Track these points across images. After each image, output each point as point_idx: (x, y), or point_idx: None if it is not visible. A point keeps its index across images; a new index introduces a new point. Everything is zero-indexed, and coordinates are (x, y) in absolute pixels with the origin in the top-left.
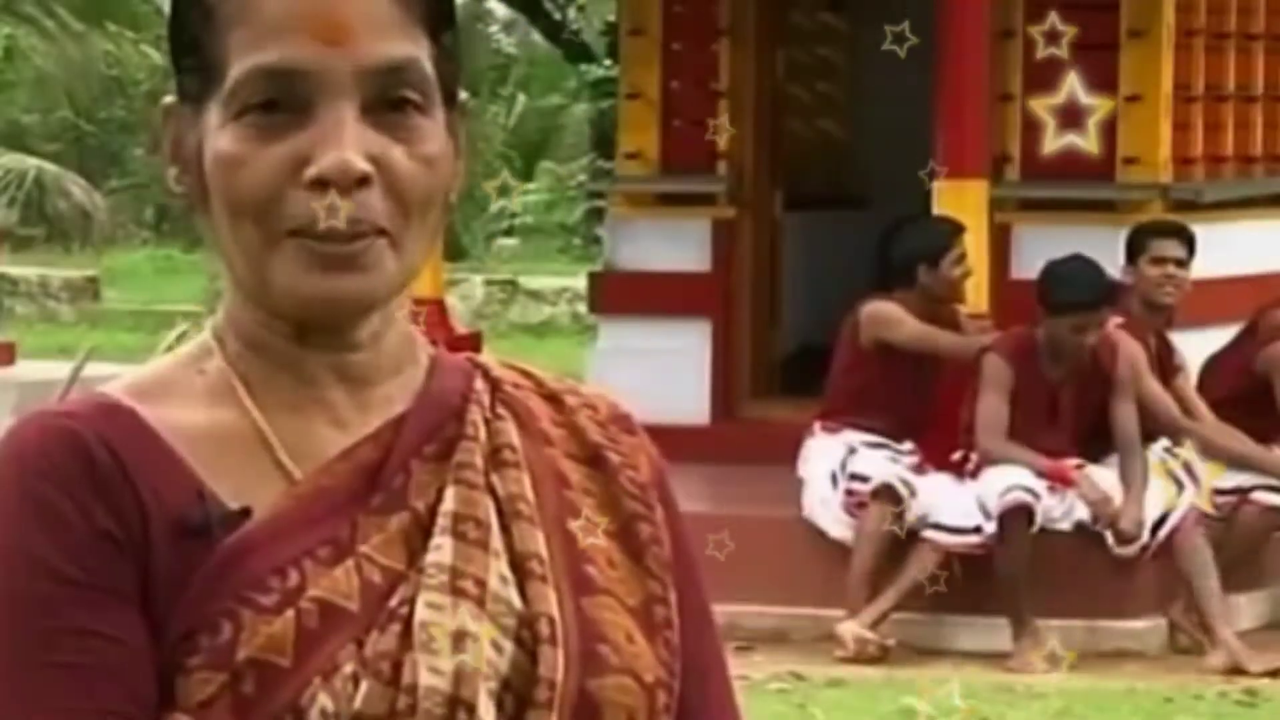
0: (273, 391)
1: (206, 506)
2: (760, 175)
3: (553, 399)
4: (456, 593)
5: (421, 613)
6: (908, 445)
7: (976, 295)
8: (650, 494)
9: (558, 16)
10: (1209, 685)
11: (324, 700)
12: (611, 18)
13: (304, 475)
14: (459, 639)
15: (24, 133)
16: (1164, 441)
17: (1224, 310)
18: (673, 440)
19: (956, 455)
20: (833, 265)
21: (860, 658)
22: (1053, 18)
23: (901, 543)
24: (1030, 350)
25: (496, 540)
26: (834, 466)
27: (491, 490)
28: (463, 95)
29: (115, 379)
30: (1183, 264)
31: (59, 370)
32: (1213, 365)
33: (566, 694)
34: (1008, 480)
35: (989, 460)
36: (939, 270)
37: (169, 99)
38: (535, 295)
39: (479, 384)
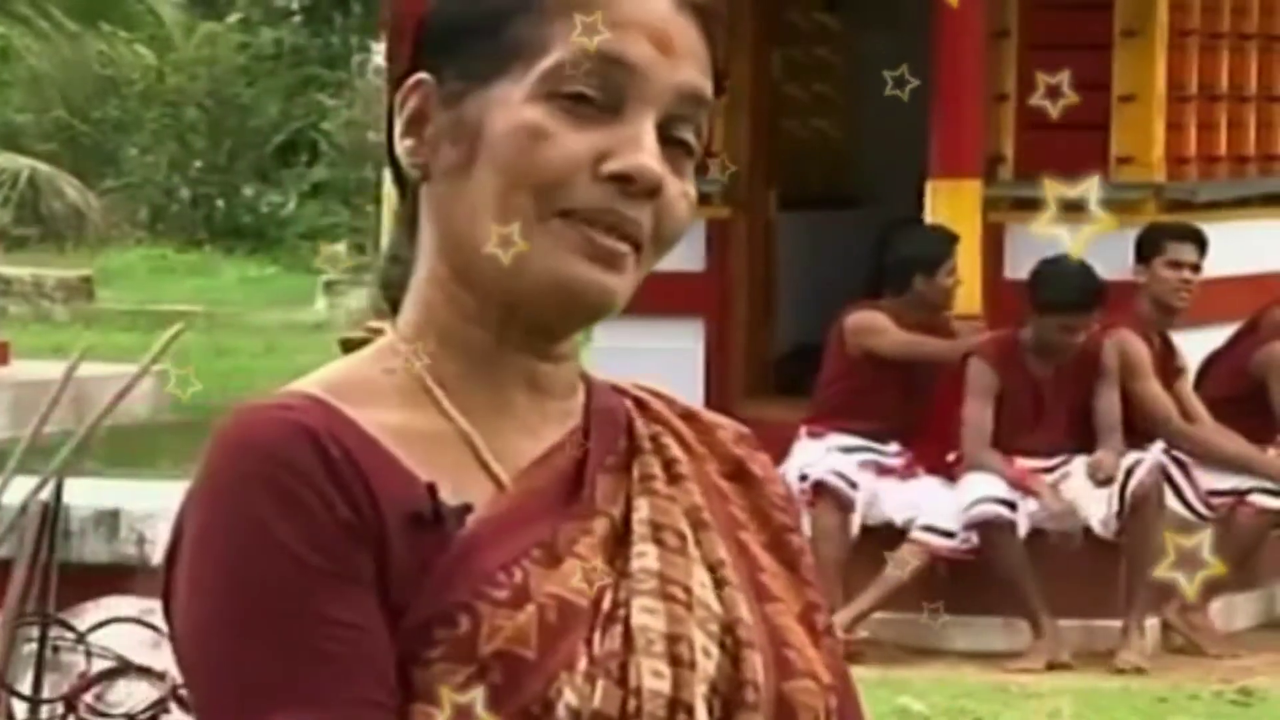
0: (464, 394)
1: (437, 501)
2: (755, 175)
3: (689, 417)
4: (667, 598)
5: (639, 617)
6: (893, 448)
7: (969, 296)
8: (792, 506)
9: None
10: (1204, 685)
11: (569, 695)
12: None
13: (508, 478)
14: (673, 642)
15: (18, 133)
16: (1160, 444)
17: (1219, 310)
18: None
19: (950, 457)
20: (828, 265)
21: (850, 659)
22: (1055, 78)
23: (892, 543)
24: (1014, 350)
25: (692, 548)
26: (799, 469)
27: (674, 501)
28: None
29: (302, 380)
30: (1197, 268)
31: (53, 370)
32: (1209, 366)
33: (768, 696)
34: (978, 492)
35: (968, 467)
36: (935, 279)
37: (420, 75)
38: None
39: (628, 402)
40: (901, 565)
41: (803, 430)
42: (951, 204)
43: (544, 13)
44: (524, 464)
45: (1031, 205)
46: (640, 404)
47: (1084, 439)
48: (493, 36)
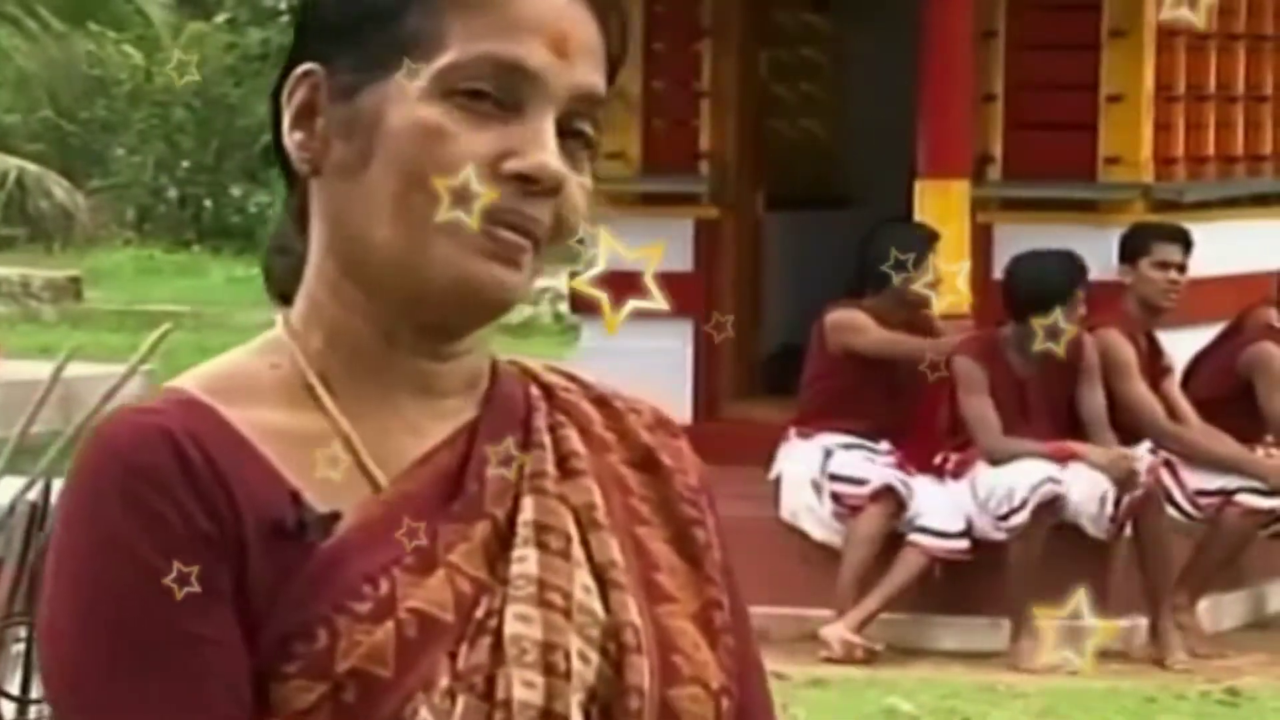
0: (351, 392)
1: (301, 509)
2: (743, 175)
3: (601, 403)
4: (544, 604)
5: (512, 626)
6: (884, 446)
7: (958, 296)
8: (702, 498)
9: None
10: (1192, 685)
11: (425, 714)
12: None
13: (386, 480)
14: (548, 651)
15: (6, 133)
16: (1148, 444)
17: (1206, 310)
18: None
19: (938, 458)
20: (815, 265)
21: (846, 660)
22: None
23: (886, 546)
24: (996, 348)
25: (577, 550)
26: (814, 471)
27: (564, 499)
28: None
29: (184, 375)
30: (1183, 268)
31: (41, 370)
32: (1196, 366)
33: (652, 703)
34: (1040, 473)
35: (995, 459)
36: (913, 277)
37: (309, 65)
38: None
39: (534, 390)
40: (908, 570)
41: (791, 431)
42: (940, 204)
43: (440, 5)
44: (408, 465)
45: (1020, 205)
46: (548, 392)
47: (1069, 436)
48: (387, 27)
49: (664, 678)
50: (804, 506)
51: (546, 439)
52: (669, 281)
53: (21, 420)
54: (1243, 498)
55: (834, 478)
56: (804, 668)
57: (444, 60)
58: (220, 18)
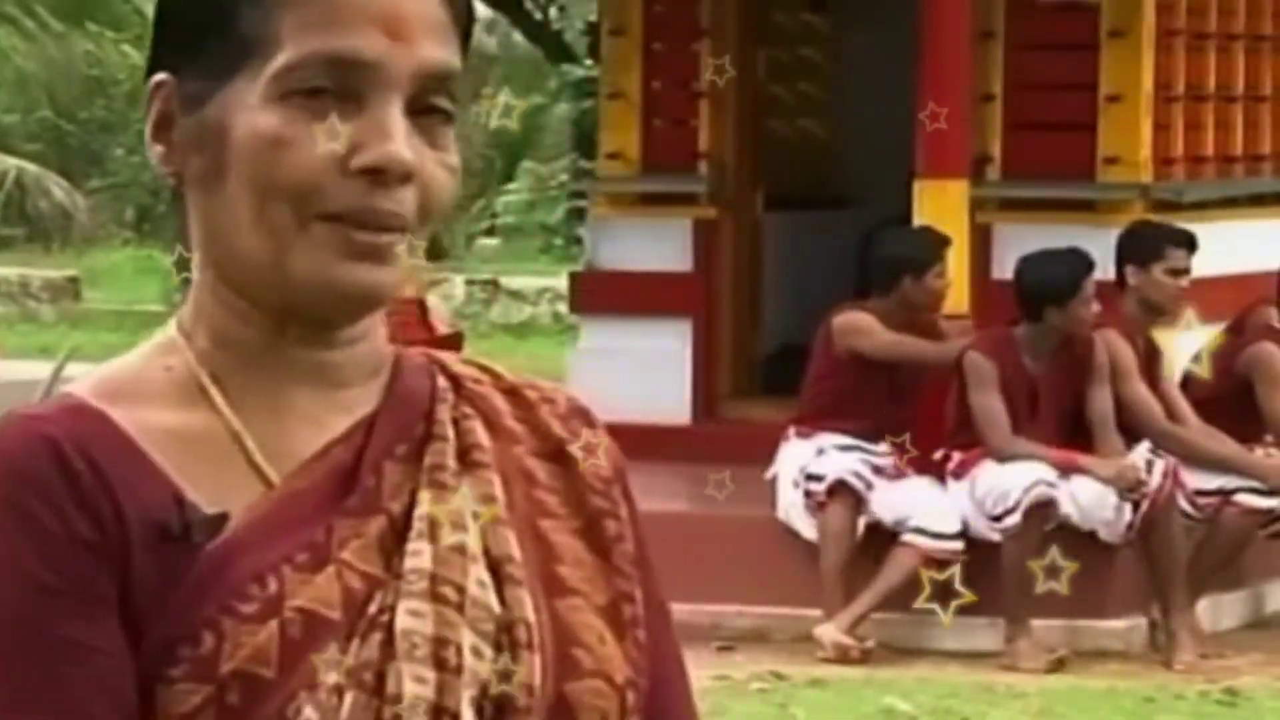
0: (244, 390)
1: (186, 512)
2: (741, 175)
3: (513, 394)
4: (436, 599)
5: (403, 620)
6: (882, 448)
7: (957, 295)
8: (614, 489)
9: (539, 16)
10: (1190, 685)
11: (309, 712)
12: (592, 18)
13: (279, 478)
14: (440, 646)
15: (4, 132)
16: (1147, 444)
17: (1205, 311)
18: (654, 440)
19: (937, 455)
20: (814, 265)
21: (841, 660)
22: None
23: (882, 545)
24: (1010, 345)
25: (473, 544)
26: (797, 469)
27: (461, 493)
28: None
29: (80, 379)
30: (1189, 273)
31: (40, 370)
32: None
33: (544, 698)
34: (1033, 475)
35: (1001, 458)
36: (923, 282)
37: (161, 75)
38: (516, 295)
39: (441, 382)
40: (900, 569)
41: (791, 430)
42: (938, 204)
43: (267, 5)
44: (304, 461)
45: (1019, 205)
46: (456, 383)
47: (1075, 436)
48: (224, 31)
49: (561, 672)
50: (790, 504)
51: (449, 431)
52: (668, 281)
53: None
54: (1242, 498)
55: (808, 476)
56: (803, 667)
57: (279, 62)
58: None
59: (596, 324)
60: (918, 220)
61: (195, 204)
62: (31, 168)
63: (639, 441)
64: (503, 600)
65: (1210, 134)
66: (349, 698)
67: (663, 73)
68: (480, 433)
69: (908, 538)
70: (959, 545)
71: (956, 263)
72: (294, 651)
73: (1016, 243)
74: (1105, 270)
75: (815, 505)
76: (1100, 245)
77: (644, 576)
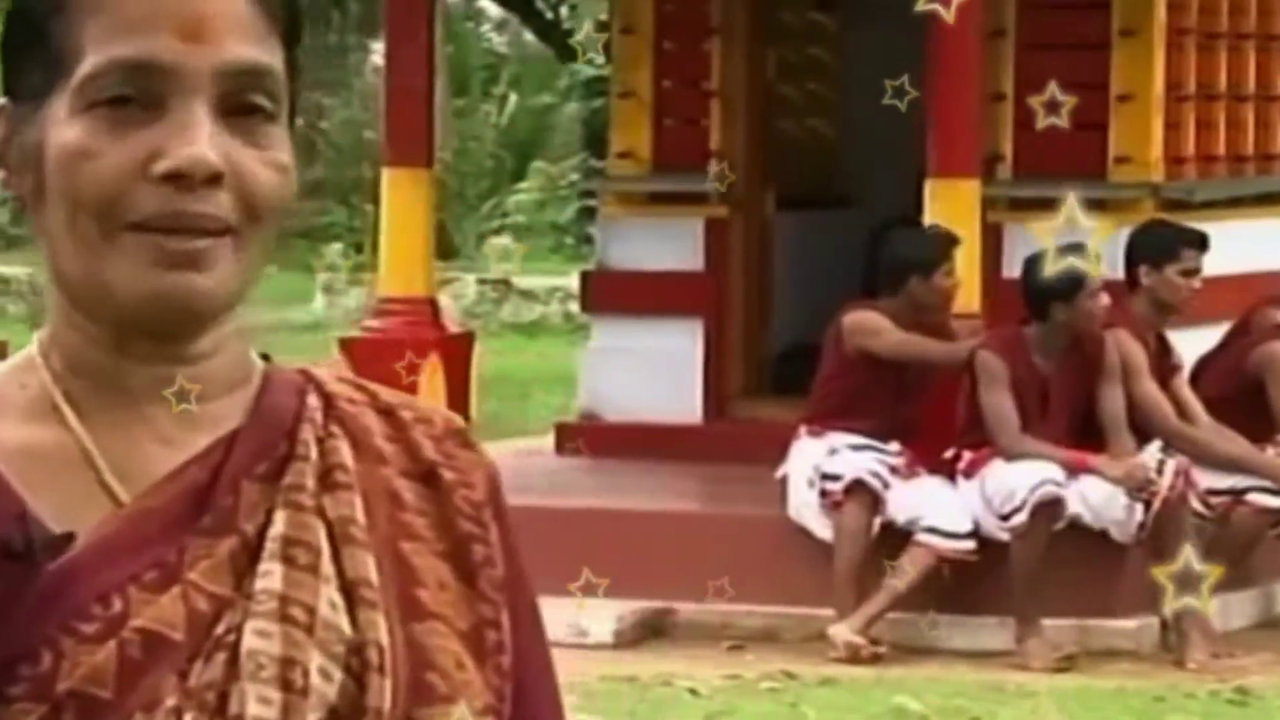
0: (96, 409)
1: (28, 530)
2: (752, 175)
3: (388, 414)
4: (285, 620)
5: (249, 641)
6: (894, 447)
7: (968, 295)
8: (484, 513)
9: (550, 15)
10: (1201, 684)
11: None
12: (603, 16)
13: (130, 496)
14: (287, 667)
15: None
16: (1159, 444)
17: (1215, 309)
18: (665, 439)
19: (949, 454)
20: (824, 264)
21: (852, 661)
22: (1052, 88)
23: (894, 544)
24: (1020, 344)
25: (327, 565)
26: (811, 468)
27: (322, 512)
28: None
29: None
30: (1200, 273)
31: None
32: (1205, 365)
33: None
34: (1040, 474)
35: (1009, 457)
36: (931, 280)
37: (1, 99)
38: (527, 294)
39: (312, 400)
40: (914, 569)
41: (802, 429)
42: (949, 203)
43: (70, 18)
44: (157, 480)
45: (1030, 205)
46: (328, 401)
47: (1087, 436)
48: (39, 49)
49: (413, 696)
50: (803, 504)
51: (312, 451)
52: (678, 281)
53: None
54: (1253, 497)
55: (824, 476)
56: (813, 667)
57: (81, 73)
58: None
59: (607, 323)
60: (928, 219)
61: (37, 226)
62: None
63: (650, 440)
64: (355, 623)
65: (1221, 133)
66: (188, 718)
67: (673, 72)
68: (345, 453)
69: (921, 537)
70: (971, 544)
71: (967, 262)
72: (133, 672)
73: (1027, 242)
74: (1115, 269)
75: (831, 505)
76: (1110, 245)
77: (516, 597)
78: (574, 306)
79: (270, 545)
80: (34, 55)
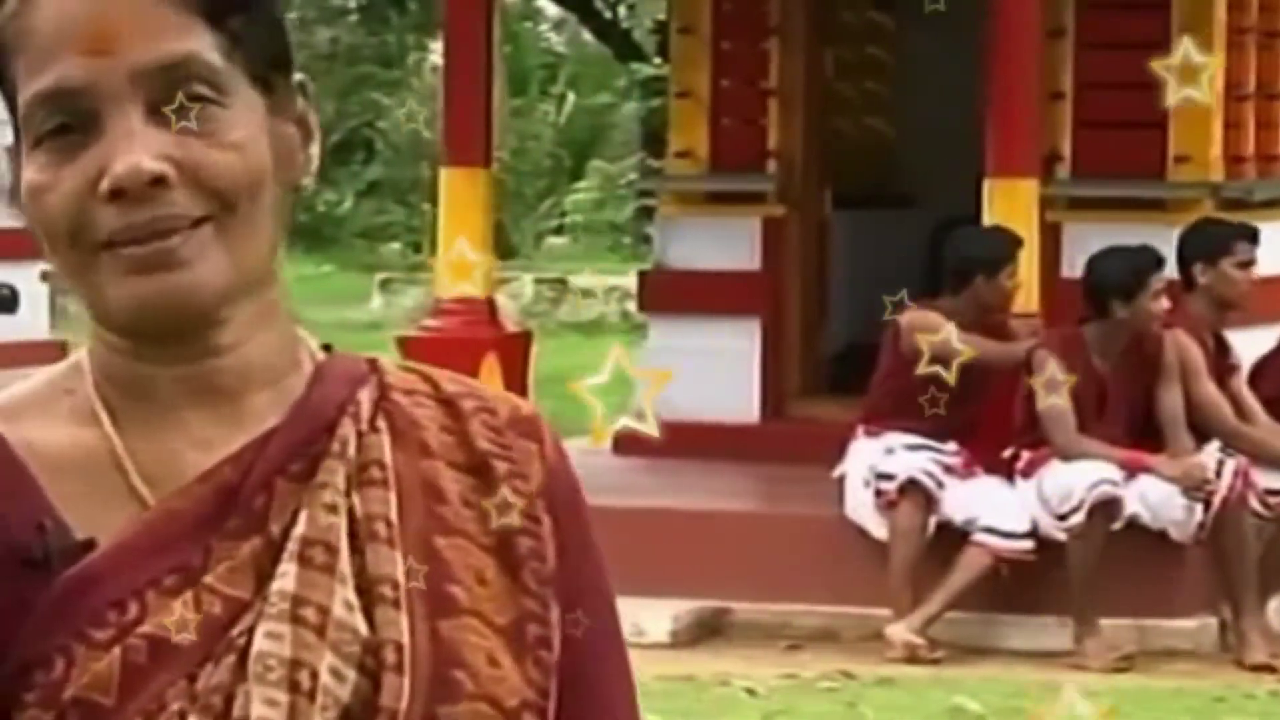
0: (131, 415)
1: (46, 538)
2: (809, 174)
3: (448, 404)
4: (296, 621)
5: (259, 643)
6: (951, 446)
7: (1027, 294)
8: (536, 505)
9: (608, 15)
10: (1260, 684)
11: None
12: (661, 16)
13: (157, 500)
14: (295, 669)
15: None
16: (1217, 443)
17: (1274, 309)
18: (721, 438)
19: (1007, 453)
20: (881, 264)
21: (910, 661)
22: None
23: (951, 544)
24: (1078, 344)
25: (345, 565)
26: (867, 468)
27: (350, 511)
28: (297, 76)
29: None
30: (1255, 264)
31: None
32: (1263, 365)
33: None
34: (1097, 474)
35: (1065, 456)
36: (996, 281)
37: (8, 144)
38: (585, 293)
39: (364, 393)
40: (971, 569)
41: (859, 429)
42: (1008, 203)
43: (8, 56)
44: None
45: (1088, 204)
46: (384, 393)
47: (1146, 435)
48: (3, 92)
49: (435, 694)
50: (860, 503)
51: (350, 447)
52: (735, 280)
53: None
54: None
55: (879, 475)
56: (871, 667)
57: (21, 113)
58: (289, 16)
59: (665, 323)
60: (987, 219)
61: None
62: None
63: (706, 440)
64: (372, 622)
65: None
66: None
67: (732, 71)
68: (384, 448)
69: (978, 537)
70: (1029, 544)
71: (1026, 262)
72: (136, 678)
73: (1086, 241)
74: (1171, 269)
75: (886, 504)
76: (1170, 244)
77: (582, 593)
78: (631, 306)
79: (290, 545)
80: (7, 104)
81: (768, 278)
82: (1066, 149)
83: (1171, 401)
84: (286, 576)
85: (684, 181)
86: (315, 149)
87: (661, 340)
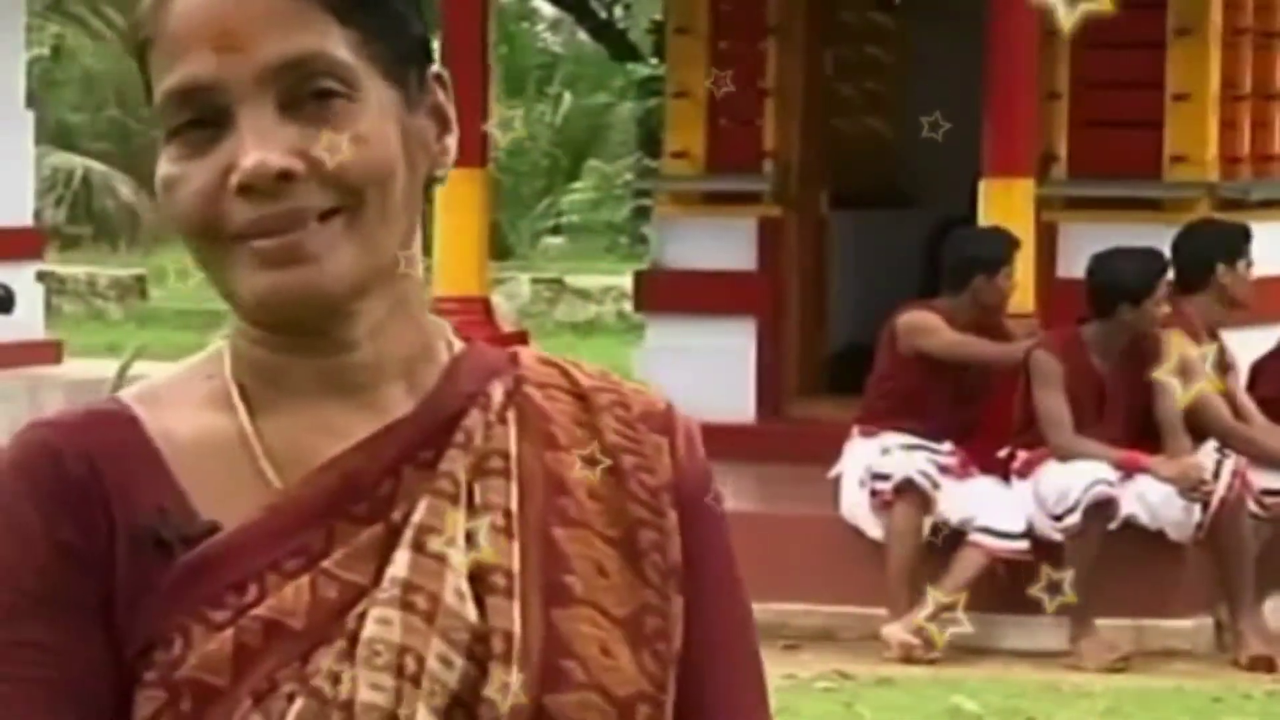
0: (267, 402)
1: (168, 521)
2: (807, 174)
3: (582, 397)
4: (406, 607)
5: (369, 628)
6: (947, 447)
7: (1023, 294)
8: (662, 498)
9: (604, 15)
10: (1258, 684)
11: (256, 719)
12: (658, 16)
13: (285, 485)
14: (402, 654)
15: (72, 132)
16: (1214, 444)
17: (1271, 310)
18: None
19: (1003, 453)
20: (879, 264)
21: (908, 660)
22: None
23: (948, 544)
24: (1077, 344)
25: (459, 553)
26: (863, 468)
27: (470, 500)
28: (434, 69)
29: (132, 388)
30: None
31: (106, 369)
32: (1261, 366)
33: (519, 710)
34: (1093, 475)
35: (1063, 457)
36: (994, 281)
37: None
38: (582, 294)
39: (496, 385)
40: (967, 570)
41: (856, 429)
42: (1004, 203)
43: (147, 54)
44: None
45: (1084, 204)
46: (517, 383)
47: (1143, 436)
48: (149, 89)
49: (544, 683)
50: (855, 503)
51: (476, 437)
52: (732, 280)
53: None
54: None
55: (875, 476)
56: (869, 667)
57: (155, 108)
58: None
59: (662, 323)
60: (983, 219)
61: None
62: (99, 167)
63: (704, 440)
64: (482, 610)
65: (1277, 132)
66: (298, 704)
67: (728, 71)
68: (509, 438)
69: (974, 537)
70: (1025, 544)
71: (1022, 262)
72: (250, 659)
73: (1082, 242)
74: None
75: (881, 504)
76: (1166, 244)
77: (713, 587)
78: (628, 306)
79: (407, 533)
80: (150, 92)
81: (765, 278)
82: (1062, 149)
83: (1169, 402)
84: (398, 563)
85: (681, 182)
86: (452, 140)
87: (658, 340)
